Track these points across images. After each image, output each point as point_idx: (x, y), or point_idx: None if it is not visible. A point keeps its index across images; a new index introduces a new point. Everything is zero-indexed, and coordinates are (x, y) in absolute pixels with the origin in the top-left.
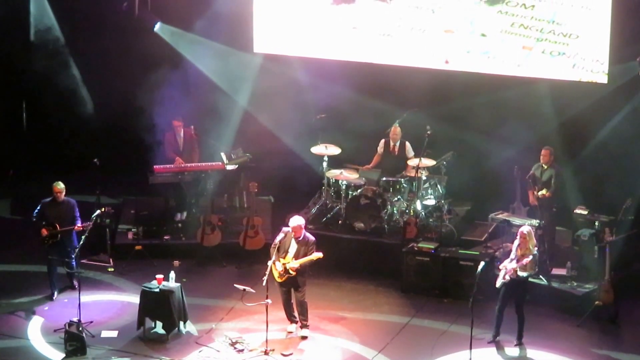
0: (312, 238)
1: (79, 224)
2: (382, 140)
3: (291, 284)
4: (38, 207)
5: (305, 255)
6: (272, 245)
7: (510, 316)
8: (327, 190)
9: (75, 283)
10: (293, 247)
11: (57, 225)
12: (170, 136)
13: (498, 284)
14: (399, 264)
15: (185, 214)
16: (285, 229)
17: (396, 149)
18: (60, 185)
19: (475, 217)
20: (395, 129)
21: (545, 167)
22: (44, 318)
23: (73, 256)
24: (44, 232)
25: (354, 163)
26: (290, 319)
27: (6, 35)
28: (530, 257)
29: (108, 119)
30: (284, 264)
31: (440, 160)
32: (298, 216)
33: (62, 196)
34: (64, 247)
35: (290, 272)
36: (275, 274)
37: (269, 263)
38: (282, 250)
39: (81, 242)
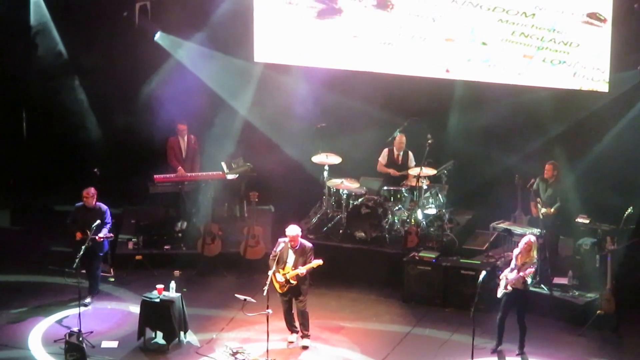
0: (308, 245)
1: (101, 234)
2: (385, 150)
3: (293, 293)
4: (72, 211)
5: (304, 263)
6: (272, 256)
7: (511, 325)
8: (328, 199)
9: (88, 300)
10: (291, 257)
11: (87, 232)
12: (174, 141)
13: (499, 294)
14: (400, 273)
15: (185, 223)
16: (282, 239)
17: (400, 158)
18: (88, 192)
19: (476, 226)
20: (401, 138)
21: (549, 182)
22: (46, 327)
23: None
24: (79, 235)
25: (356, 173)
26: (291, 329)
27: (6, 45)
28: (534, 265)
29: (108, 129)
30: (284, 274)
31: (441, 169)
32: (294, 226)
33: (92, 202)
34: (94, 253)
35: (292, 281)
36: (277, 286)
37: (269, 273)
38: (282, 262)
39: (81, 252)
